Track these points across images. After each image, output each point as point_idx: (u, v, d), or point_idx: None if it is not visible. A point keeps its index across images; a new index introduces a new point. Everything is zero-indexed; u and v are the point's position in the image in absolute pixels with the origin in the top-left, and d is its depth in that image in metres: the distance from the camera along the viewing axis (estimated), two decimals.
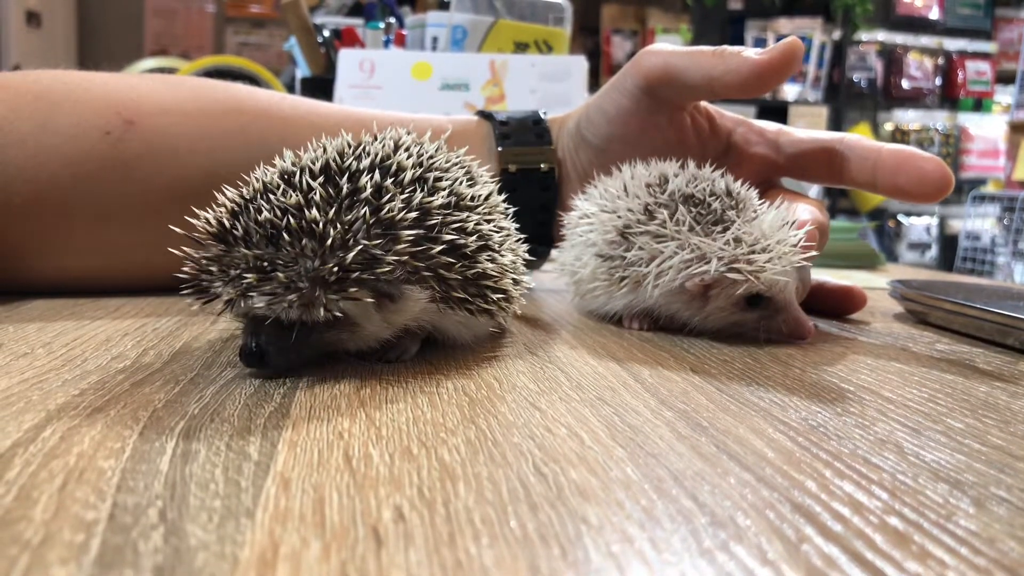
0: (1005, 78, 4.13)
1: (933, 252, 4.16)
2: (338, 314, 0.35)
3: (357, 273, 0.35)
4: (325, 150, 0.40)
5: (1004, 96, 4.15)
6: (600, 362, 0.42)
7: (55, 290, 0.56)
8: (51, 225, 0.55)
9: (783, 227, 0.47)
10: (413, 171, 0.39)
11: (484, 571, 0.19)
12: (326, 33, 1.43)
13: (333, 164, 0.38)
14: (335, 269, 0.34)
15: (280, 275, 0.34)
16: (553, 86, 1.16)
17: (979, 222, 3.73)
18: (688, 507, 0.23)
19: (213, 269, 0.35)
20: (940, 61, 4.18)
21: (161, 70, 2.37)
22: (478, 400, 0.33)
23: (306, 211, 0.35)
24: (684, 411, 0.33)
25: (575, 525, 0.21)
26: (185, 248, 0.36)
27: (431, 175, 0.40)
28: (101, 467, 0.24)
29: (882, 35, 4.08)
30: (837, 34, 3.95)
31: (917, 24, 4.17)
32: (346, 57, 1.20)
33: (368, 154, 0.39)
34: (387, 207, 0.36)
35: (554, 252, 0.60)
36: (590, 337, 0.48)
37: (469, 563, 0.19)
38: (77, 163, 0.55)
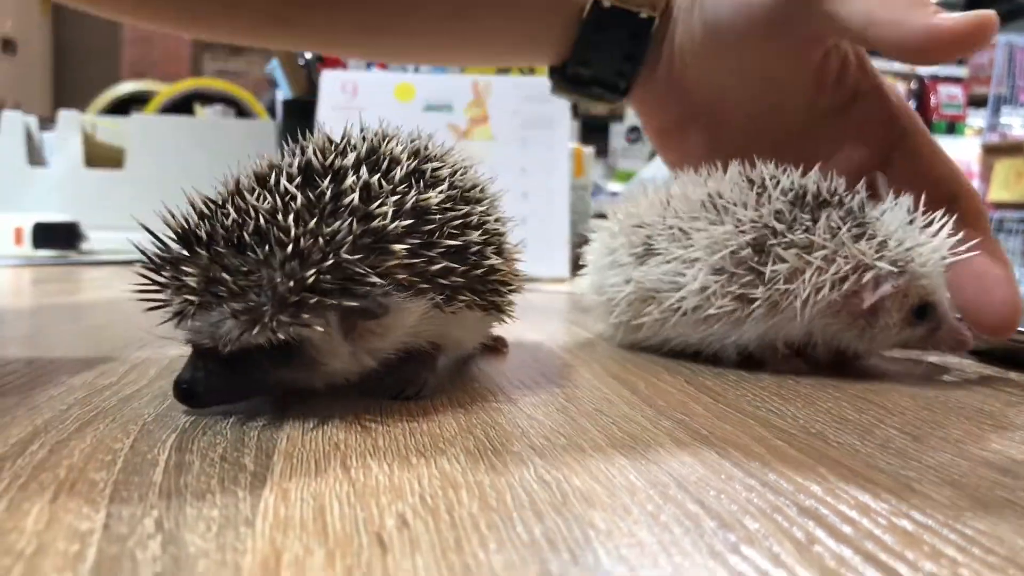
0: (977, 101, 4.19)
1: None
2: (290, 340, 0.30)
3: (327, 293, 0.29)
4: (304, 149, 0.34)
5: (976, 119, 4.21)
6: (594, 375, 0.41)
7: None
8: None
9: (911, 224, 0.42)
10: (408, 163, 0.34)
11: (494, 575, 0.18)
12: (308, 55, 1.43)
13: (315, 162, 0.33)
14: (295, 287, 0.29)
15: (231, 287, 0.29)
16: (537, 107, 1.16)
17: None
18: (695, 511, 0.22)
19: (166, 275, 0.30)
20: (913, 85, 4.25)
21: (140, 92, 2.36)
22: (473, 411, 0.33)
23: (280, 218, 0.30)
24: (683, 421, 0.32)
25: (583, 530, 0.21)
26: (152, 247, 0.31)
27: (428, 166, 0.35)
28: (92, 479, 0.23)
29: None
30: None
31: None
32: (329, 79, 1.20)
33: (354, 148, 0.34)
34: (377, 213, 0.31)
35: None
36: (583, 351, 0.48)
37: (478, 568, 0.18)
38: None
